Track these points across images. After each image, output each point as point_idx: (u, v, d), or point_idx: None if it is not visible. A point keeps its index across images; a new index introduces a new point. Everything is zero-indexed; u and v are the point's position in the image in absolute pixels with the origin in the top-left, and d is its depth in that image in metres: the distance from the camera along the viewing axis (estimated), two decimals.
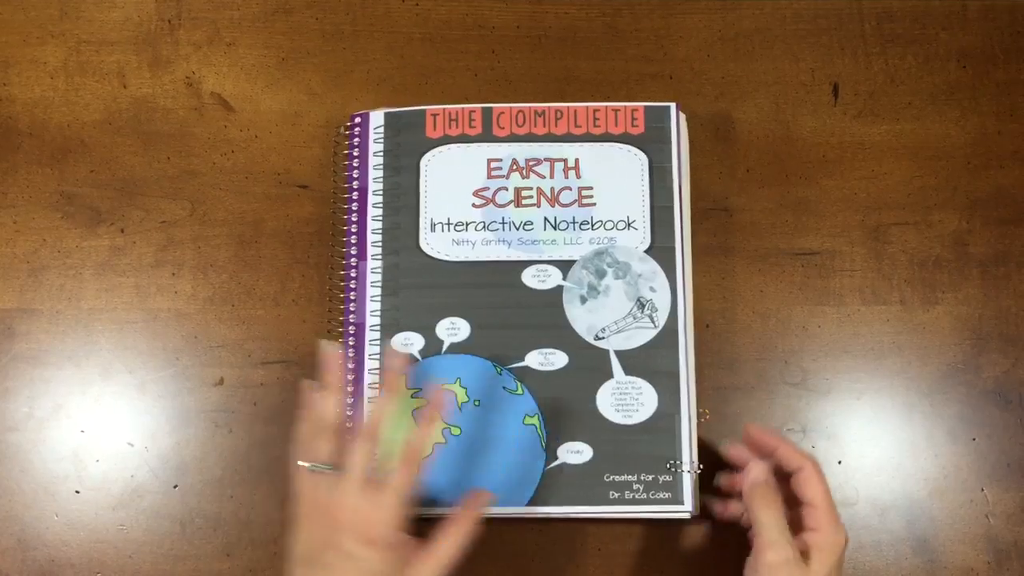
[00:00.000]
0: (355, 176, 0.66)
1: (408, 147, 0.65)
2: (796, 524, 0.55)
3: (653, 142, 0.65)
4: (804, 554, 0.53)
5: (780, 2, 0.70)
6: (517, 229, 0.64)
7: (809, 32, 0.69)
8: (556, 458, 0.61)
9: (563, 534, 0.62)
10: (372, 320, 0.63)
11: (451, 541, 0.53)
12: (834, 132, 0.68)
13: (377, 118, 0.66)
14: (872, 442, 0.64)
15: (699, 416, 0.63)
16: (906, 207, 0.67)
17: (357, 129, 0.66)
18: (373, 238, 0.64)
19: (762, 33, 0.69)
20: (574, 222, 0.64)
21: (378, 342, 0.63)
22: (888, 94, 0.68)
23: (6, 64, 0.68)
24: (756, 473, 0.58)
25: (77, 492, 0.63)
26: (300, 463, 0.54)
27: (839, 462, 0.63)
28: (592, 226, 0.64)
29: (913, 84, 0.69)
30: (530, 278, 0.63)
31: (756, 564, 0.53)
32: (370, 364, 0.63)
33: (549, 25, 0.69)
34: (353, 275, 0.64)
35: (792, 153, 0.67)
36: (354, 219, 0.65)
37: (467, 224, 0.64)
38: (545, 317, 0.63)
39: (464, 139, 0.65)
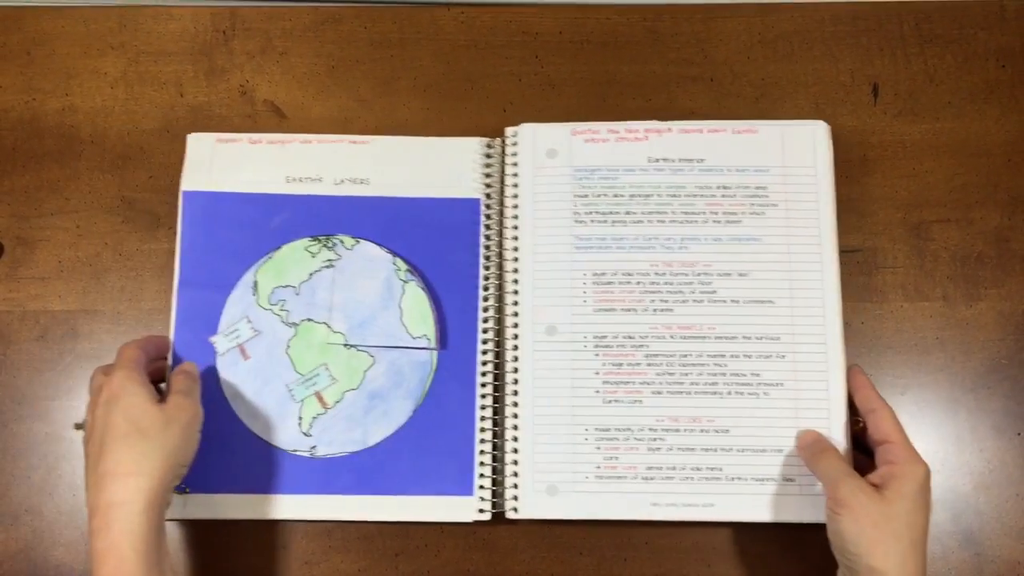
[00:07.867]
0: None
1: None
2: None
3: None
4: (881, 487, 0.54)
5: (819, 4, 0.71)
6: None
7: (848, 33, 0.70)
8: None
9: (611, 528, 0.63)
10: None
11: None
12: (874, 131, 0.69)
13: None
14: (917, 437, 0.63)
15: None
16: (947, 204, 0.67)
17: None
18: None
19: (801, 35, 0.70)
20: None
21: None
22: (928, 94, 0.69)
23: (68, 75, 0.70)
24: (804, 437, 0.61)
25: None
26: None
27: None
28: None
29: (952, 83, 0.69)
30: None
31: (830, 511, 0.55)
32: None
33: (591, 30, 0.71)
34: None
35: (833, 152, 0.68)
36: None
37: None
38: None
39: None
